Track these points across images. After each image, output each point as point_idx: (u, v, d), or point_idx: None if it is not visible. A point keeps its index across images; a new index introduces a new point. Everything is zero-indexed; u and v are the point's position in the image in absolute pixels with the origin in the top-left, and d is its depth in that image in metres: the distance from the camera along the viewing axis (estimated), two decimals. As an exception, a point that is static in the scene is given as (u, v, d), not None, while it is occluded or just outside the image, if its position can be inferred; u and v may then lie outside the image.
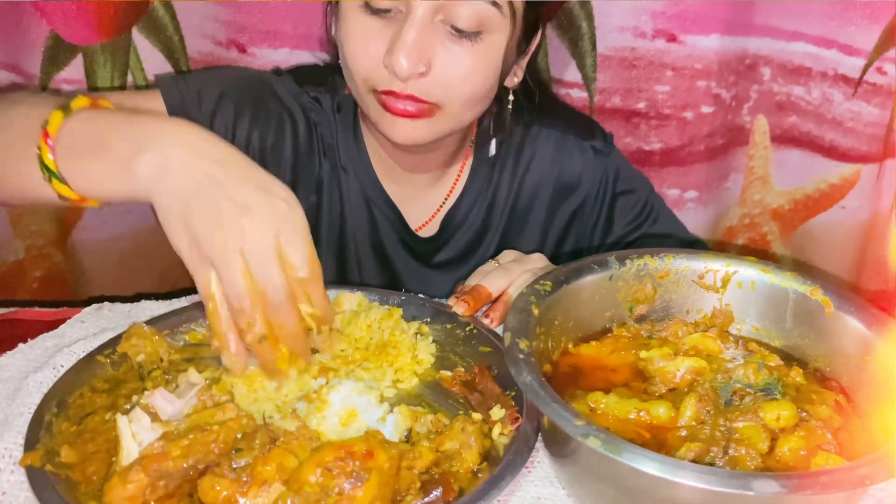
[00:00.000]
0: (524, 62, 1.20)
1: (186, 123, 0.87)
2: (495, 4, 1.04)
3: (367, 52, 1.06)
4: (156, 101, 1.18)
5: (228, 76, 1.28)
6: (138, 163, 0.83)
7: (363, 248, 1.34)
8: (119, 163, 0.85)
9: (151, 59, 1.54)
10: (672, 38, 1.50)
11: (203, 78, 1.24)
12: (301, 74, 1.30)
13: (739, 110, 1.61)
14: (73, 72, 1.53)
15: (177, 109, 1.18)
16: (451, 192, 1.33)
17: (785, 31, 1.53)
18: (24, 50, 1.52)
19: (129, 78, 1.56)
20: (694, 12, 1.47)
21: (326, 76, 1.29)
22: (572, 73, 1.55)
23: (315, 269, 0.82)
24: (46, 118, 0.90)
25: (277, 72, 1.32)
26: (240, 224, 0.79)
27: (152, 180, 0.83)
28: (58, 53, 1.52)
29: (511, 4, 1.06)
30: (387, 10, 1.05)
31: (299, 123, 1.25)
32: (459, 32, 1.05)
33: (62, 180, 0.89)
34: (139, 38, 1.53)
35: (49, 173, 0.89)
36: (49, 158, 0.89)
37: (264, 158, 1.24)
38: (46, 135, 0.89)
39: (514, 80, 1.21)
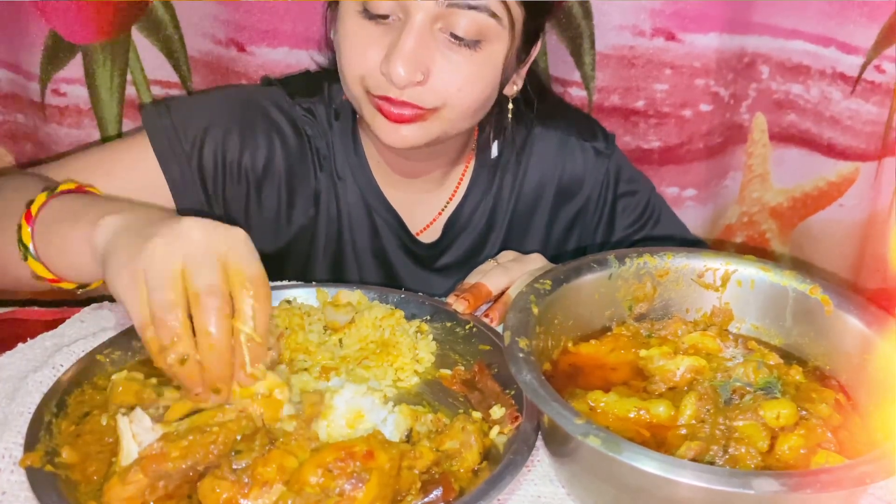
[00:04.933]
0: (524, 71, 1.20)
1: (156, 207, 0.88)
2: (494, 16, 1.04)
3: (364, 58, 1.06)
4: (142, 142, 1.18)
5: (214, 101, 1.25)
6: (101, 225, 0.84)
7: (364, 256, 1.33)
8: (84, 229, 0.86)
9: (151, 58, 1.55)
10: (671, 37, 1.50)
11: (188, 106, 1.22)
12: (293, 85, 1.28)
13: (738, 108, 1.61)
14: (73, 71, 1.54)
15: (162, 144, 1.17)
16: (452, 196, 1.33)
17: (783, 30, 1.53)
18: (24, 49, 1.52)
19: (129, 77, 1.56)
20: (692, 10, 1.47)
21: (321, 84, 1.27)
22: (571, 72, 1.55)
23: (265, 287, 0.80)
24: (32, 198, 0.95)
25: (268, 82, 1.30)
26: (184, 232, 0.78)
27: (107, 239, 0.83)
28: (57, 52, 1.52)
29: (510, 16, 1.05)
30: (385, 17, 1.04)
31: (290, 139, 1.23)
32: (459, 40, 1.04)
33: (37, 258, 0.93)
34: (139, 38, 1.53)
35: (24, 250, 0.93)
36: (27, 234, 0.93)
37: (257, 178, 1.22)
38: (28, 213, 0.93)
39: (513, 89, 1.20)
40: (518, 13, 1.07)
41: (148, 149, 1.16)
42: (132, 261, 0.77)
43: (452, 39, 1.04)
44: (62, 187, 0.98)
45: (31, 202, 0.95)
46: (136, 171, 1.16)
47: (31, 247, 0.94)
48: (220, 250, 0.78)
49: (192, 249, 0.77)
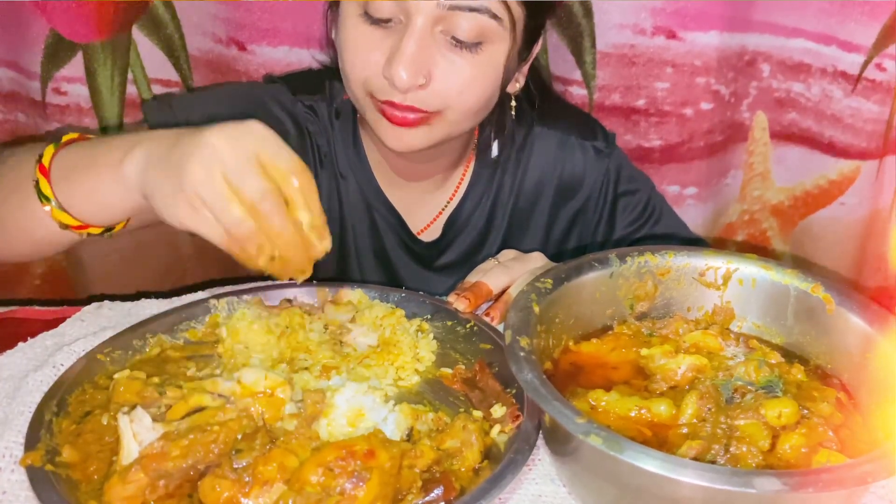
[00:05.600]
0: (526, 68, 1.20)
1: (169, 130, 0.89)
2: (495, 17, 1.03)
3: (366, 62, 1.06)
4: None
5: (215, 97, 1.26)
6: (127, 161, 0.87)
7: (365, 254, 1.33)
8: (110, 169, 0.88)
9: (151, 57, 1.55)
10: (671, 35, 1.50)
11: (190, 101, 1.22)
12: (295, 82, 1.28)
13: (739, 107, 1.61)
14: (74, 69, 1.54)
15: None
16: (453, 195, 1.33)
17: (784, 28, 1.52)
18: (25, 47, 1.52)
19: (130, 76, 1.56)
20: (693, 9, 1.47)
21: (322, 82, 1.27)
22: (572, 71, 1.55)
23: (306, 172, 0.84)
24: (41, 153, 0.95)
25: (270, 79, 1.30)
26: (211, 144, 0.80)
27: (140, 173, 0.86)
28: (58, 51, 1.52)
29: (511, 16, 1.05)
30: (387, 20, 1.04)
31: (291, 136, 1.23)
32: (459, 43, 1.04)
33: (61, 207, 0.93)
34: (139, 36, 1.53)
35: (46, 200, 0.93)
36: (46, 186, 0.93)
37: None
38: (42, 167, 0.94)
39: (515, 86, 1.20)
40: (519, 13, 1.07)
41: None
42: (180, 189, 0.80)
43: (453, 42, 1.04)
44: (66, 138, 0.98)
45: (41, 156, 0.95)
46: None
47: (53, 198, 0.94)
48: (250, 152, 0.81)
49: (227, 161, 0.79)
